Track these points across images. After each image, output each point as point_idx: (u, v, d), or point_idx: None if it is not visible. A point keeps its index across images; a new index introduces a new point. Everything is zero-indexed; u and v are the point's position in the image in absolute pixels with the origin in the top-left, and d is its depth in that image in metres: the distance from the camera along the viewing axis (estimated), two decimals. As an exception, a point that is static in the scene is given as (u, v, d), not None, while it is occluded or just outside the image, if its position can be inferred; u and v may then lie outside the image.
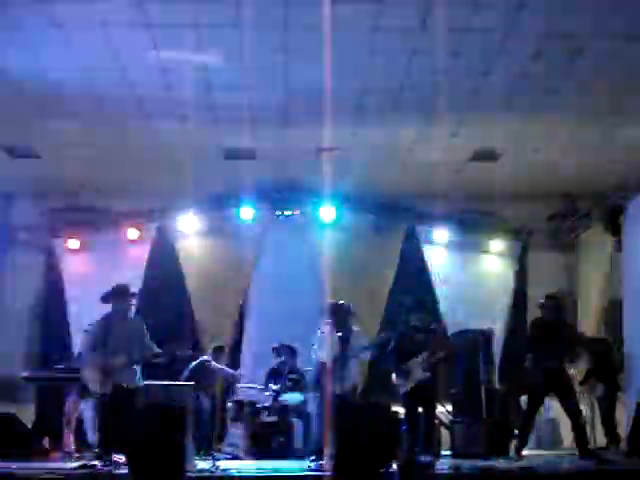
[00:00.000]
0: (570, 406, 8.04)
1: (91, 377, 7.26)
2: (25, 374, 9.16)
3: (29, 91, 7.82)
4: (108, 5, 6.29)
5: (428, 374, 7.85)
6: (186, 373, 8.96)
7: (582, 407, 8.57)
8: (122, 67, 7.36)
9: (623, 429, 9.14)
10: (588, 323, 10.28)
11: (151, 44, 6.93)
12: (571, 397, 8.09)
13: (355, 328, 8.04)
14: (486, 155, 9.69)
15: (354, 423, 6.61)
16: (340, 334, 7.82)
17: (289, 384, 9.24)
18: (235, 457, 8.69)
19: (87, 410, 8.79)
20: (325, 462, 6.74)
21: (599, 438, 9.44)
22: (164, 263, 10.84)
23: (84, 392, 8.18)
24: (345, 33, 6.79)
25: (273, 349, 9.66)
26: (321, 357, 7.83)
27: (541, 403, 8.50)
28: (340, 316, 7.95)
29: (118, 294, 7.54)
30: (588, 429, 8.70)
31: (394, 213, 11.10)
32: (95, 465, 6.76)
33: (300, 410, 9.16)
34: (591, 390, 9.60)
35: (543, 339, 8.08)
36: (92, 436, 8.66)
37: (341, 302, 8.14)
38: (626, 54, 7.06)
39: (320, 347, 7.88)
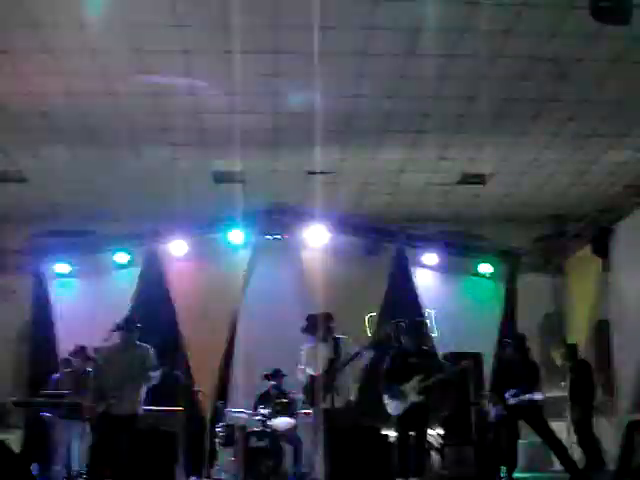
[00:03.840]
0: (541, 432, 8.12)
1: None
2: (14, 399, 9.07)
3: (18, 117, 7.83)
4: (98, 31, 6.33)
5: (421, 397, 7.82)
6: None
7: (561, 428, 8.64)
8: (111, 92, 7.39)
9: (602, 449, 9.16)
10: (577, 344, 10.28)
11: (141, 70, 6.97)
12: (539, 423, 8.16)
13: (342, 336, 7.97)
14: (474, 178, 9.76)
15: (345, 447, 6.59)
16: (327, 344, 7.76)
17: (279, 408, 9.18)
18: (225, 482, 8.62)
19: (75, 437, 8.72)
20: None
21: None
22: (153, 287, 10.79)
23: (72, 417, 8.14)
24: (334, 58, 6.86)
25: (264, 376, 9.62)
26: (310, 371, 7.68)
27: (516, 428, 8.54)
28: (323, 326, 7.88)
29: (127, 325, 7.63)
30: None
31: (383, 236, 11.11)
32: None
33: (290, 435, 9.11)
34: (571, 413, 9.64)
35: (505, 376, 8.26)
36: (79, 462, 8.58)
37: (320, 312, 8.08)
38: (610, 78, 7.16)
39: (307, 363, 7.76)
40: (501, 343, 8.95)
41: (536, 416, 8.20)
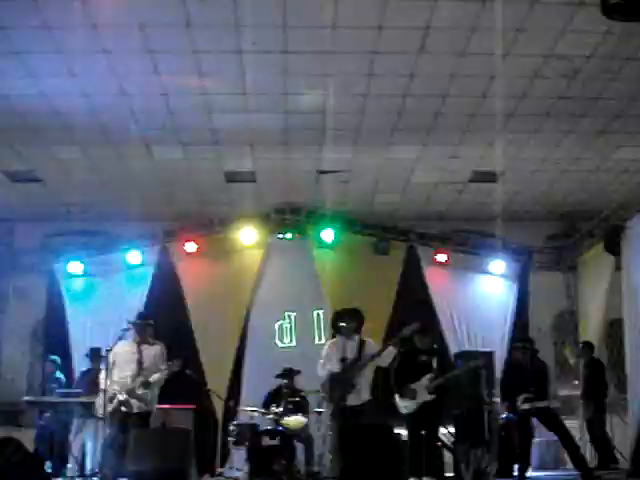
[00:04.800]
0: (556, 430, 8.07)
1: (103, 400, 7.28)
2: (28, 398, 9.14)
3: (31, 117, 7.89)
4: (110, 32, 6.37)
5: (432, 396, 7.80)
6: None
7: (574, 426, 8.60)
8: (123, 93, 7.43)
9: (614, 448, 9.14)
10: (592, 342, 10.25)
11: (153, 70, 7.01)
12: (554, 422, 8.10)
13: (368, 338, 7.91)
14: (485, 176, 9.74)
15: (358, 446, 6.60)
16: (352, 342, 7.72)
17: (291, 407, 9.20)
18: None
19: (88, 435, 8.77)
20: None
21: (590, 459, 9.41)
22: (165, 286, 10.84)
23: (87, 415, 8.19)
24: (345, 57, 6.87)
25: (277, 375, 9.64)
26: (331, 367, 7.66)
27: (529, 428, 8.50)
28: (358, 323, 7.82)
29: (140, 322, 7.68)
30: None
31: (394, 234, 11.11)
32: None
33: (302, 433, 9.12)
34: (584, 411, 9.62)
35: (514, 379, 8.24)
36: (93, 461, 8.64)
37: (353, 309, 8.03)
38: (621, 75, 7.13)
39: (329, 358, 7.71)
40: (511, 346, 8.90)
41: (551, 418, 8.16)
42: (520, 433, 8.38)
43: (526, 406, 8.06)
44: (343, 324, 7.77)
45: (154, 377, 7.36)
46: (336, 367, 7.54)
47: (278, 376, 9.51)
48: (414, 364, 8.00)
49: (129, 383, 7.27)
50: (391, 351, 7.68)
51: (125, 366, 7.36)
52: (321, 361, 7.81)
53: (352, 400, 7.45)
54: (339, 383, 7.45)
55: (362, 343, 7.70)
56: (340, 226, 10.92)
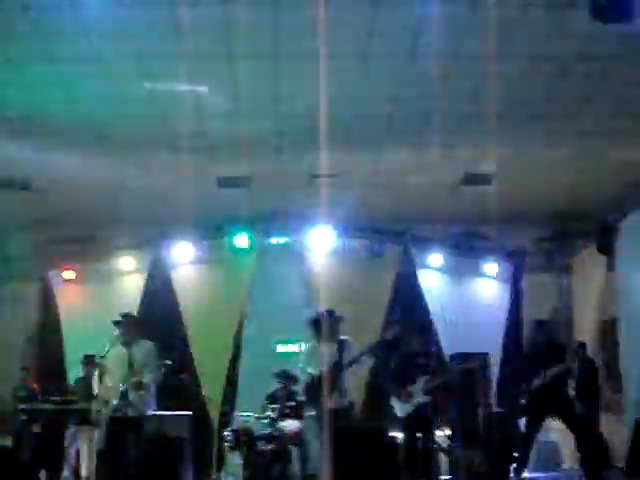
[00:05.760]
0: (572, 423, 8.04)
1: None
2: (22, 406, 9.11)
3: (24, 124, 7.88)
4: (101, 38, 6.36)
5: (427, 398, 7.82)
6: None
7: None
8: (114, 98, 7.42)
9: (608, 447, 9.16)
10: (585, 342, 10.27)
11: (144, 75, 7.00)
12: (571, 414, 8.09)
13: (345, 337, 7.96)
14: (478, 178, 9.75)
15: (352, 450, 6.61)
16: (332, 344, 7.77)
17: (287, 411, 9.20)
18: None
19: (83, 442, 8.75)
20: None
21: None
22: (159, 292, 10.84)
23: (82, 422, 8.18)
24: (337, 61, 6.87)
25: (273, 374, 9.64)
26: (312, 371, 7.74)
27: (540, 424, 8.48)
28: (332, 325, 7.88)
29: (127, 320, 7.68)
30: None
31: (388, 237, 11.14)
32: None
33: (298, 437, 9.11)
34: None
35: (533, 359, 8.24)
36: (88, 468, 8.62)
37: (330, 310, 8.09)
38: (612, 76, 7.15)
39: (308, 362, 7.81)
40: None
41: (566, 407, 8.11)
42: (527, 430, 8.36)
43: (538, 382, 7.98)
44: (325, 327, 7.83)
45: (147, 377, 7.33)
46: (318, 370, 7.60)
47: (275, 375, 9.50)
48: (411, 366, 8.02)
49: (121, 387, 7.23)
50: (365, 358, 7.77)
51: (117, 370, 7.33)
52: (301, 365, 7.87)
53: (337, 402, 7.50)
54: (323, 386, 7.51)
55: (341, 343, 7.77)
56: (334, 230, 10.94)
